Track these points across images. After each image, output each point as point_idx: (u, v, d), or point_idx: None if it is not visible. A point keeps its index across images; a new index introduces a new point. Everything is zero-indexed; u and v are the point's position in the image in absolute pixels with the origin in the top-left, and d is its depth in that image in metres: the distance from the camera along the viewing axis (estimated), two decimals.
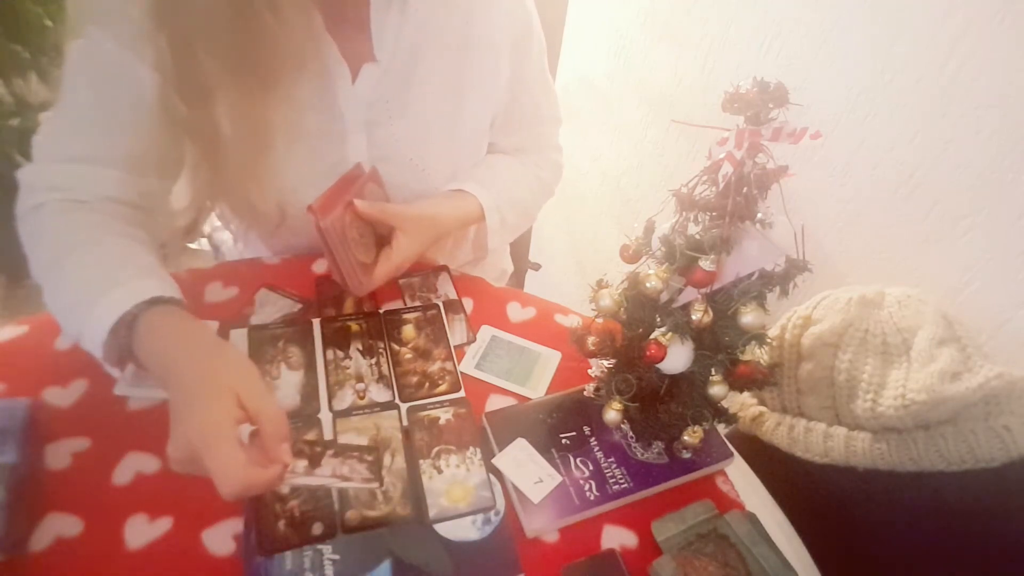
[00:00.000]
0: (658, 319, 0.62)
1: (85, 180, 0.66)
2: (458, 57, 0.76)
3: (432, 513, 0.60)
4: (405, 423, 0.67)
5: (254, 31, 0.60)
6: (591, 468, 0.66)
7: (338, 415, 0.67)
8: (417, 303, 0.81)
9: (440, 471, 0.64)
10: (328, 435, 0.65)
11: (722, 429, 0.73)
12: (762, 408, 0.78)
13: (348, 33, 0.71)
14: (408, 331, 0.77)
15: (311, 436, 0.65)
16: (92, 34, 0.63)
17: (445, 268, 0.87)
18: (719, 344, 0.61)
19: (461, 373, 0.73)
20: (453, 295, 0.83)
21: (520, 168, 0.90)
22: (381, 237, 0.76)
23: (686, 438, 0.66)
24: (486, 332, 0.79)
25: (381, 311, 0.79)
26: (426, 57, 0.74)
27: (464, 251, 0.96)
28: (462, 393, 0.71)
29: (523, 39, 0.80)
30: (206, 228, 1.00)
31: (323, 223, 0.67)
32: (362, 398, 0.69)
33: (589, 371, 0.75)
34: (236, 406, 0.50)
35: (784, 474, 0.70)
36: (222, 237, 1.04)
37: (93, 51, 0.63)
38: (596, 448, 0.68)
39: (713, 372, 0.61)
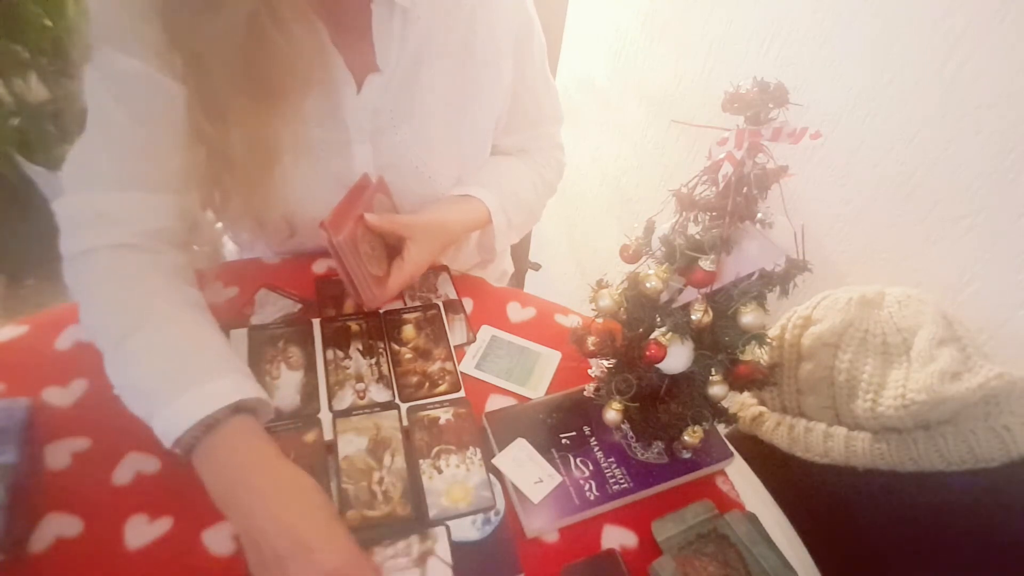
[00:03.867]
0: (658, 319, 0.62)
1: (129, 211, 0.63)
2: (461, 63, 0.76)
3: (432, 513, 0.60)
4: (405, 423, 0.67)
5: (263, 50, 0.60)
6: (591, 468, 0.66)
7: (338, 415, 0.67)
8: (417, 303, 0.81)
9: (440, 471, 0.64)
10: (328, 435, 0.65)
11: (722, 429, 0.73)
12: (762, 408, 0.78)
13: (351, 43, 0.71)
14: (408, 331, 0.77)
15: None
16: (113, 56, 0.61)
17: (445, 268, 0.87)
18: (719, 344, 0.61)
19: (461, 373, 0.73)
20: (453, 295, 0.83)
21: (523, 168, 0.90)
22: (391, 247, 0.76)
23: (686, 438, 0.66)
24: (486, 332, 0.79)
25: (381, 311, 0.79)
26: (429, 64, 0.74)
27: (468, 254, 0.96)
28: (462, 393, 0.71)
29: (525, 41, 0.80)
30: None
31: (336, 240, 0.67)
32: (362, 398, 0.69)
33: (589, 371, 0.75)
34: None
35: (784, 474, 0.70)
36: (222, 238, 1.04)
37: (119, 73, 0.61)
38: (596, 448, 0.68)
39: (713, 372, 0.61)
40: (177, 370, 0.56)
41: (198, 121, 0.62)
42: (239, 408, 0.55)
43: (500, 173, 0.87)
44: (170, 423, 0.53)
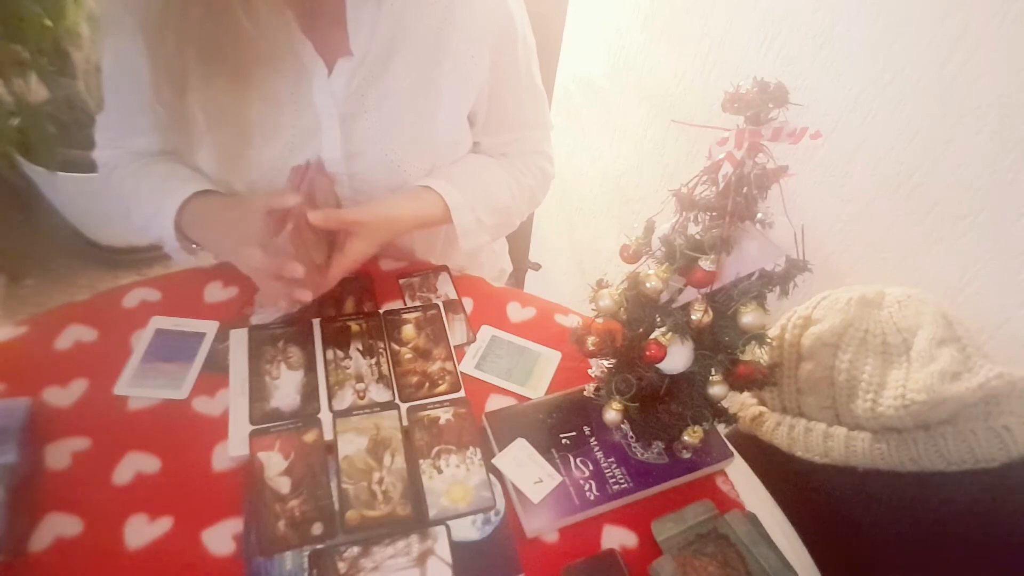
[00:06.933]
0: (658, 319, 0.62)
1: (144, 145, 0.81)
2: (433, 53, 0.76)
3: (432, 513, 0.60)
4: (405, 423, 0.67)
5: (228, 29, 0.62)
6: (591, 468, 0.66)
7: (338, 415, 0.67)
8: (417, 303, 0.81)
9: (440, 471, 0.64)
10: (328, 435, 0.65)
11: (722, 429, 0.73)
12: (762, 408, 0.78)
13: (324, 28, 0.72)
14: (408, 331, 0.77)
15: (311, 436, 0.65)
16: (111, 42, 0.74)
17: (445, 268, 0.87)
18: (719, 344, 0.61)
19: (461, 373, 0.73)
20: (453, 295, 0.83)
21: (499, 170, 0.88)
22: (331, 233, 0.74)
23: (686, 438, 0.66)
24: (486, 332, 0.79)
25: (381, 311, 0.79)
26: (401, 51, 0.75)
27: (459, 250, 0.95)
28: (462, 393, 0.71)
29: (506, 40, 0.79)
30: None
31: (279, 236, 0.67)
32: (362, 398, 0.69)
33: (589, 371, 0.75)
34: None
35: (784, 474, 0.70)
36: None
37: (114, 53, 0.74)
38: (596, 448, 0.68)
39: (713, 372, 0.61)
40: (163, 190, 0.78)
41: (160, 87, 0.69)
42: (197, 194, 0.76)
43: (473, 171, 0.86)
44: (164, 216, 0.75)
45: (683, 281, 0.60)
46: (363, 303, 0.80)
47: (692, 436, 0.65)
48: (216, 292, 0.79)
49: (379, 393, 0.70)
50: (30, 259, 1.81)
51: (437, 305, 0.81)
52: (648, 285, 0.59)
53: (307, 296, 0.69)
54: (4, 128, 1.46)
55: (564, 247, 1.71)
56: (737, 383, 0.63)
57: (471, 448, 0.66)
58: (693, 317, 0.58)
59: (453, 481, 0.63)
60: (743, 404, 0.81)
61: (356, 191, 0.80)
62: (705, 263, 0.56)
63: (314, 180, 0.74)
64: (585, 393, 0.71)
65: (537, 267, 1.40)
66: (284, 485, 0.61)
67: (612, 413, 0.66)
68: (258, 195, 0.72)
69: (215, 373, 0.70)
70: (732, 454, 0.69)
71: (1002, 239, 0.70)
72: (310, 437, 0.65)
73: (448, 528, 0.60)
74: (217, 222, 0.75)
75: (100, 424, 0.64)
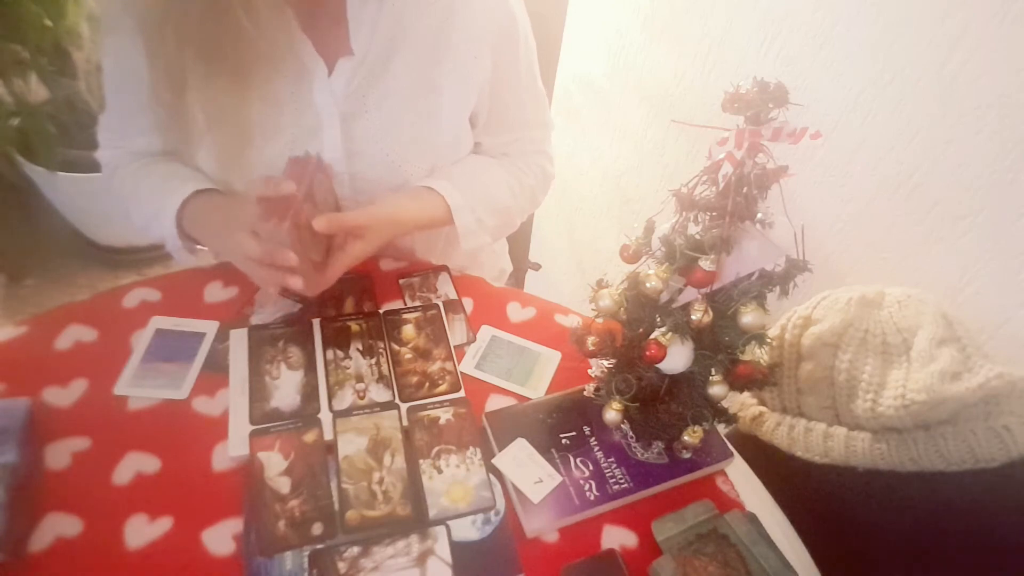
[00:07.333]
0: (658, 319, 0.62)
1: (144, 145, 0.81)
2: (434, 53, 0.76)
3: (432, 513, 0.60)
4: (405, 423, 0.67)
5: (228, 28, 0.63)
6: (591, 468, 0.66)
7: (338, 415, 0.67)
8: (417, 303, 0.81)
9: (440, 471, 0.64)
10: (328, 435, 0.65)
11: (722, 429, 0.73)
12: (762, 408, 0.78)
13: (324, 27, 0.72)
14: (408, 331, 0.77)
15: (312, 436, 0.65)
16: (111, 42, 0.74)
17: (445, 268, 0.87)
18: (719, 344, 0.61)
19: (461, 373, 0.73)
20: (453, 295, 0.83)
21: (499, 170, 0.88)
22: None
23: (686, 438, 0.66)
24: (486, 332, 0.79)
25: (381, 311, 0.79)
26: (402, 51, 0.75)
27: (459, 250, 0.95)
28: (462, 393, 0.71)
29: (507, 40, 0.79)
30: None
31: (275, 229, 0.66)
32: (362, 398, 0.69)
33: (589, 371, 0.75)
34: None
35: (784, 474, 0.70)
36: None
37: (114, 53, 0.74)
38: (596, 448, 0.68)
39: (713, 372, 0.61)
40: (163, 190, 0.78)
41: (159, 87, 0.69)
42: (197, 193, 0.76)
43: (474, 172, 0.86)
44: (165, 216, 0.75)
45: (683, 281, 0.60)
46: (363, 303, 0.80)
47: (692, 436, 0.65)
48: (216, 292, 0.79)
49: (379, 393, 0.70)
50: (30, 259, 1.81)
51: (437, 305, 0.81)
52: (648, 285, 0.59)
53: (299, 284, 0.66)
54: (4, 128, 1.46)
55: (564, 247, 1.71)
56: (737, 383, 0.63)
57: (471, 448, 0.66)
58: (693, 317, 0.58)
59: (453, 481, 0.63)
60: (743, 404, 0.81)
61: (357, 191, 0.80)
62: (705, 263, 0.56)
63: (314, 178, 0.74)
64: (585, 393, 0.71)
65: (537, 267, 1.40)
66: (284, 485, 0.61)
67: (612, 413, 0.66)
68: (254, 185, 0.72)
69: (215, 373, 0.70)
70: (732, 454, 0.69)
71: (1002, 239, 0.70)
72: (310, 437, 0.65)
73: (448, 528, 0.60)
74: (215, 218, 0.75)
75: (100, 424, 0.64)
